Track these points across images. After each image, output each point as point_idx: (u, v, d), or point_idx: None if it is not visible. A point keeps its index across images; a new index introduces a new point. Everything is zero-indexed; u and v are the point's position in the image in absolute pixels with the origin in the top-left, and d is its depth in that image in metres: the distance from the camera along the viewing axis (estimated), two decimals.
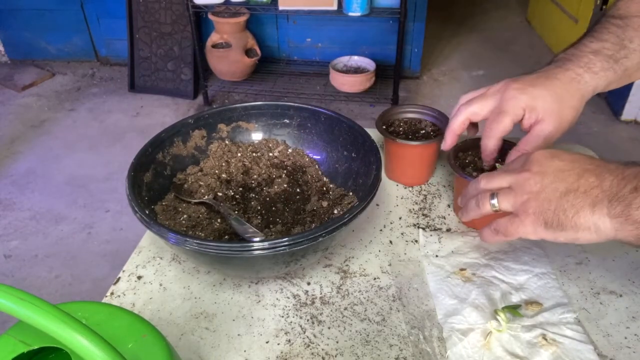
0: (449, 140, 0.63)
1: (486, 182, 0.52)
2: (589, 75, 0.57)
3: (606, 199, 0.43)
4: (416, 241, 0.65)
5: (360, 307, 0.57)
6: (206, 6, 2.31)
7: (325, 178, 0.69)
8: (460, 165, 0.67)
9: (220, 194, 0.66)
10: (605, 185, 0.44)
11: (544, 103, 0.56)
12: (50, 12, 2.88)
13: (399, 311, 0.56)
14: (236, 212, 0.63)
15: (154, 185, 0.64)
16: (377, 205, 0.71)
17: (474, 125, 0.64)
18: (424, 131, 0.74)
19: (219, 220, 0.63)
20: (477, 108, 0.60)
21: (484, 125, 0.60)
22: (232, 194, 0.67)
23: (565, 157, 0.47)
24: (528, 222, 0.47)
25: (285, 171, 0.70)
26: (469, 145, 0.69)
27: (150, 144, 0.64)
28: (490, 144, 0.59)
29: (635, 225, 0.41)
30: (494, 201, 0.49)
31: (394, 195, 0.73)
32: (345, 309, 0.56)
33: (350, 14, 2.18)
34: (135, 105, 2.65)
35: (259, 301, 0.58)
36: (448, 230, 0.67)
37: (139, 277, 0.62)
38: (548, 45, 3.01)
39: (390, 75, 2.46)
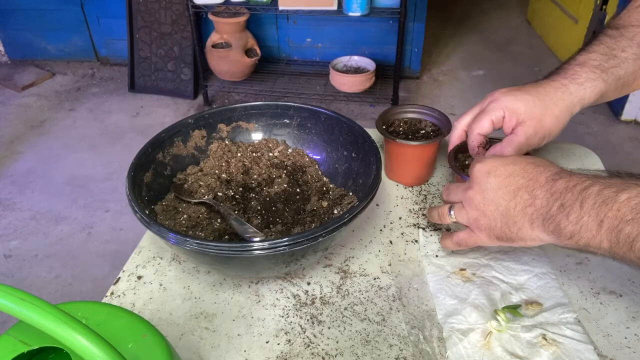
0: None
1: (446, 194, 0.58)
2: (574, 87, 0.59)
3: (540, 218, 0.47)
4: (416, 241, 0.65)
5: (360, 307, 0.57)
6: (206, 6, 2.31)
7: (325, 178, 0.69)
8: (460, 166, 0.67)
9: (220, 194, 0.66)
10: (537, 204, 0.47)
11: (525, 106, 0.58)
12: (50, 12, 2.88)
13: (399, 311, 0.56)
14: (236, 212, 0.63)
15: (154, 185, 0.64)
16: (377, 205, 0.71)
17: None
18: (424, 131, 0.74)
19: (219, 220, 0.63)
20: (467, 117, 0.65)
21: None
22: (232, 194, 0.67)
23: (500, 172, 0.50)
24: (483, 236, 0.53)
25: (285, 171, 0.70)
26: None
27: (150, 144, 0.64)
28: (470, 139, 0.63)
29: (567, 240, 0.45)
30: (452, 214, 0.56)
31: (394, 195, 0.73)
32: (345, 309, 0.56)
33: (350, 14, 2.18)
34: (135, 105, 2.65)
35: (259, 301, 0.58)
36: (448, 230, 0.67)
37: (139, 277, 0.62)
38: (548, 46, 3.01)
39: (390, 75, 2.46)
